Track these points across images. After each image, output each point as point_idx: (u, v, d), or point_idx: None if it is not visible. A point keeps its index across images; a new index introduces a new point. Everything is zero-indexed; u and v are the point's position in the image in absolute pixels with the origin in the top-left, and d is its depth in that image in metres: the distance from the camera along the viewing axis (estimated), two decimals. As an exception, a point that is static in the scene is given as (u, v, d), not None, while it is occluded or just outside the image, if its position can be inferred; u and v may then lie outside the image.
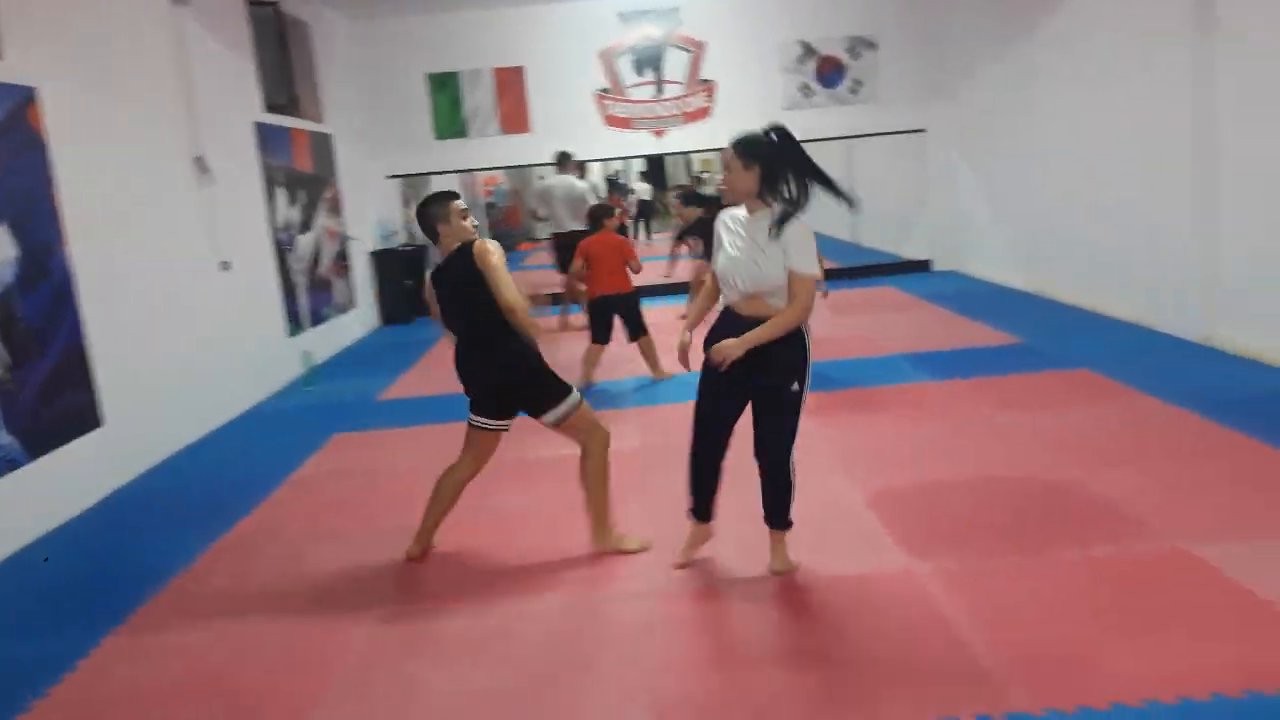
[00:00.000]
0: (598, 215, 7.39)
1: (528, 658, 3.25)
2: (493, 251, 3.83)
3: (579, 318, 9.24)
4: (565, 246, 9.28)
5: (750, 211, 3.50)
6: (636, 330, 7.25)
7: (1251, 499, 4.09)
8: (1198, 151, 6.89)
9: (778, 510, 3.71)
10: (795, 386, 3.50)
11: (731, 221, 3.58)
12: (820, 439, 5.41)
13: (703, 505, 3.84)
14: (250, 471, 5.66)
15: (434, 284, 4.05)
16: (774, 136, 3.44)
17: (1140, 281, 7.80)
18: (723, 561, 3.87)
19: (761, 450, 3.61)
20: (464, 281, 3.87)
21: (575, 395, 4.00)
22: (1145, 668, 2.86)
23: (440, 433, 6.06)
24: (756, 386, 3.52)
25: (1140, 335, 7.48)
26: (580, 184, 10.01)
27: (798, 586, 3.62)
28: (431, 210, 3.98)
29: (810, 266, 3.39)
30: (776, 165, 3.42)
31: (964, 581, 3.53)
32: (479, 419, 4.06)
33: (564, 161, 10.08)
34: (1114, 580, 3.45)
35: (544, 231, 11.82)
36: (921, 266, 12.42)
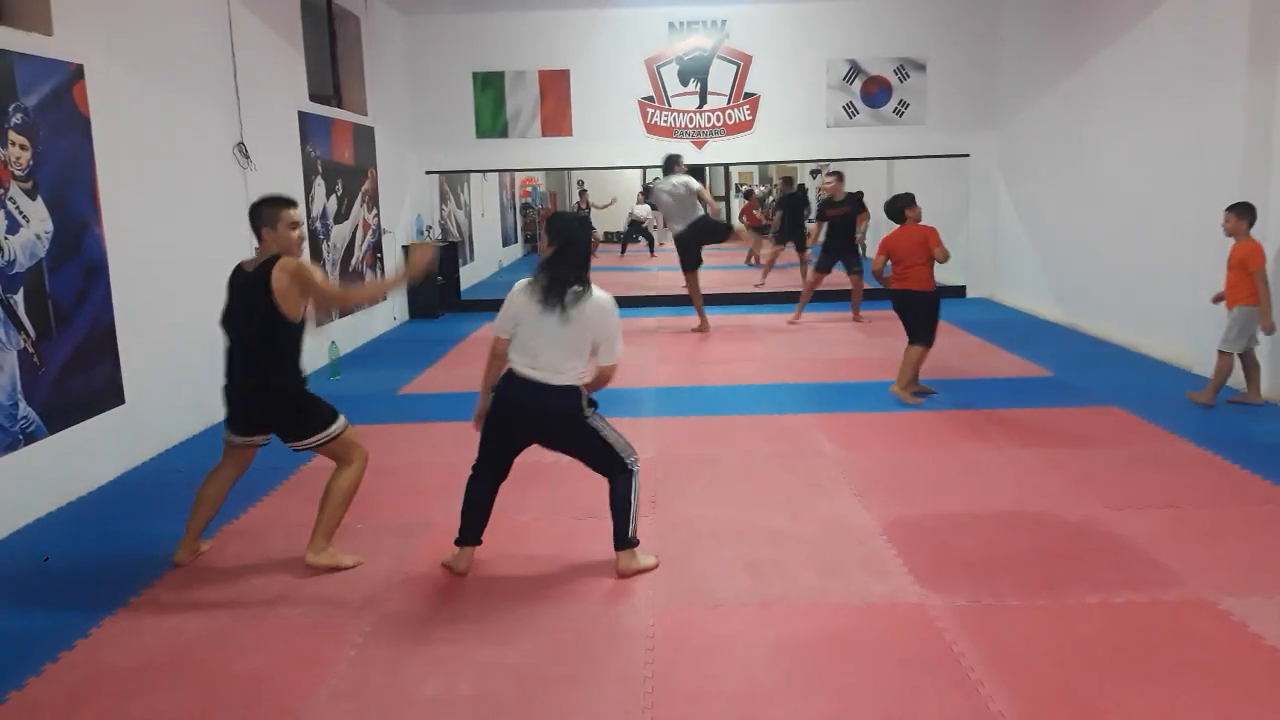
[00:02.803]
0: (898, 206, 6.83)
1: (522, 667, 3.20)
2: (297, 269, 3.79)
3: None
4: (684, 247, 9.80)
5: None
6: (926, 336, 6.75)
7: (1280, 553, 3.97)
8: (1246, 192, 6.73)
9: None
10: None
11: None
12: (838, 463, 5.33)
13: None
14: (265, 459, 5.60)
15: (229, 282, 3.97)
16: None
17: (1178, 321, 7.63)
18: (728, 581, 3.80)
19: None
20: (253, 292, 3.80)
21: (338, 423, 3.97)
22: (1157, 722, 2.77)
23: (457, 430, 6.03)
24: None
25: (1175, 376, 7.32)
26: (693, 184, 9.72)
27: (806, 611, 3.55)
28: (262, 212, 3.90)
29: None
30: None
31: (977, 618, 3.45)
32: (231, 435, 4.03)
33: (672, 165, 9.92)
34: (1132, 628, 3.35)
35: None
36: (956, 292, 12.26)
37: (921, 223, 6.76)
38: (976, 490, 4.84)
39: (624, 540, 3.88)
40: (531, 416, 3.78)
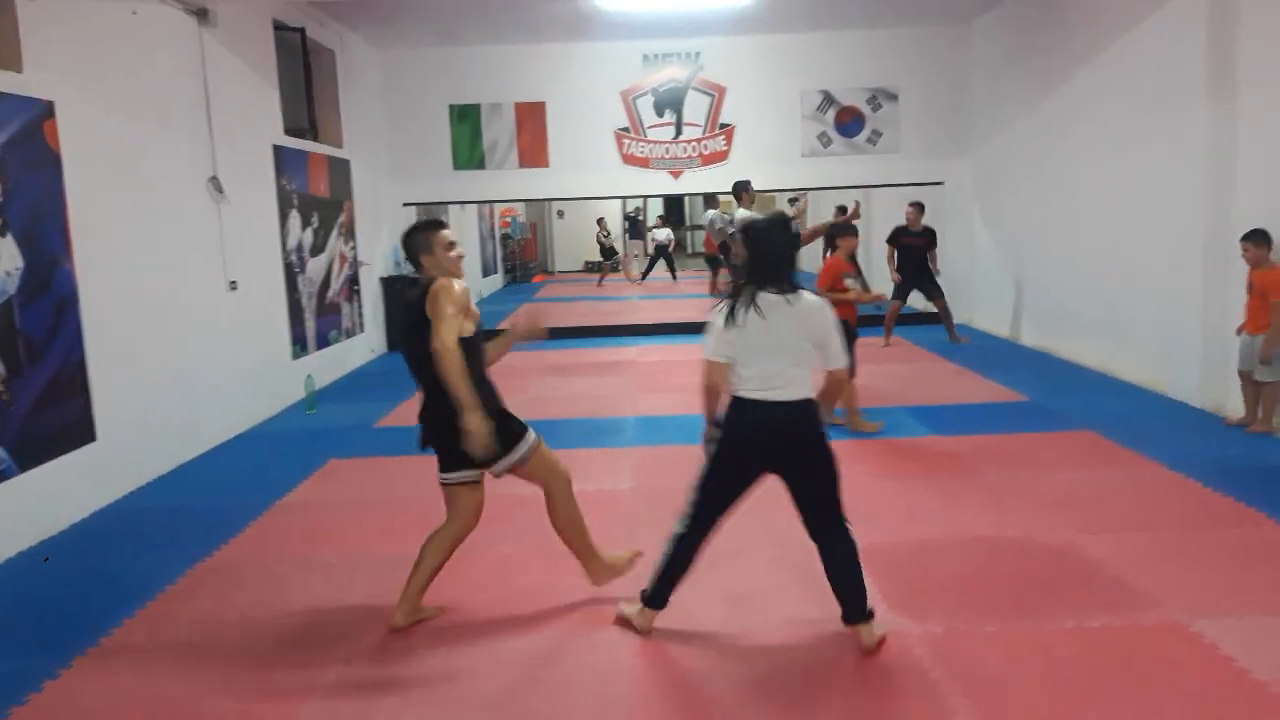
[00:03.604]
0: (830, 236, 6.72)
1: (496, 702, 3.17)
2: (444, 290, 3.49)
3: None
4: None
5: None
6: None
7: (1252, 574, 3.99)
8: (1211, 218, 6.84)
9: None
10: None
11: None
12: (817, 490, 5.34)
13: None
14: (241, 494, 5.62)
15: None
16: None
17: (1151, 346, 7.72)
18: (706, 610, 3.79)
19: None
20: (416, 314, 3.56)
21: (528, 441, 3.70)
22: (1132, 747, 2.77)
23: (433, 465, 6.01)
24: None
25: (1149, 400, 7.39)
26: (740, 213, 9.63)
27: (782, 640, 3.54)
28: (416, 239, 3.68)
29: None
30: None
31: (952, 645, 3.45)
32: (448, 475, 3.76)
33: (741, 193, 9.89)
34: (1107, 652, 3.36)
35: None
36: (931, 319, 12.34)
37: (842, 254, 6.80)
38: (953, 516, 4.86)
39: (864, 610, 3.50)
40: (773, 440, 3.41)
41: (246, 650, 3.60)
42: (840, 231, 6.91)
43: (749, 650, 3.48)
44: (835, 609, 3.77)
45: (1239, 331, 6.32)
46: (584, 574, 3.94)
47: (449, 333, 3.43)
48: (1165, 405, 7.15)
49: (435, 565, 3.74)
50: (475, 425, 3.43)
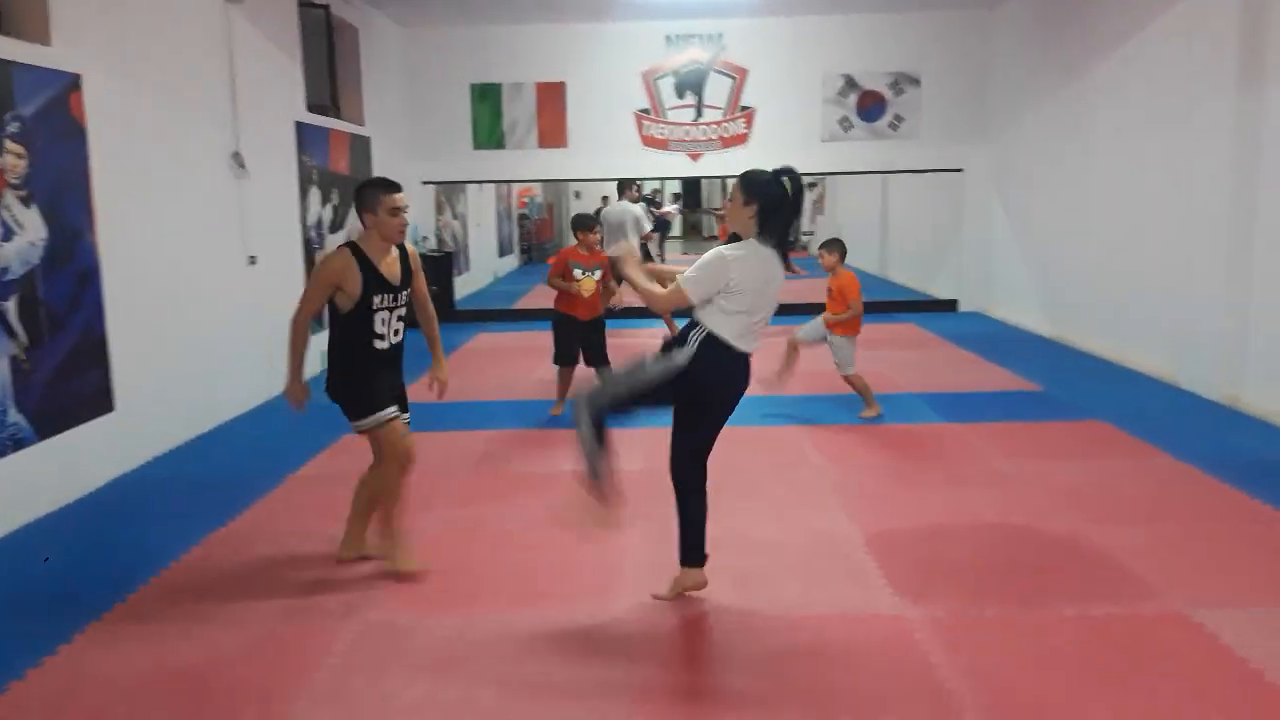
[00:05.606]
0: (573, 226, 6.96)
1: (506, 673, 3.23)
2: (319, 265, 3.95)
3: None
4: None
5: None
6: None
7: (1257, 566, 4.00)
8: (1235, 208, 6.79)
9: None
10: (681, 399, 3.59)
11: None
12: (823, 474, 5.37)
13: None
14: (255, 466, 5.70)
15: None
16: (785, 182, 3.57)
17: (1168, 337, 7.69)
18: (715, 592, 3.83)
19: None
20: None
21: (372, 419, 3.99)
22: (1128, 734, 2.80)
23: (446, 440, 6.09)
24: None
25: (1163, 391, 7.37)
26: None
27: (785, 623, 3.58)
28: (363, 195, 3.93)
29: (686, 277, 3.50)
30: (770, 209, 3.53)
31: (955, 630, 3.48)
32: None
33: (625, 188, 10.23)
34: (1108, 640, 3.38)
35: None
36: (947, 306, 12.33)
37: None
38: (960, 503, 4.88)
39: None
40: (738, 394, 3.64)
41: (255, 620, 3.67)
42: (576, 224, 7.01)
43: (751, 631, 3.52)
44: (839, 592, 3.83)
45: None
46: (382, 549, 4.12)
47: (300, 307, 3.94)
48: (1181, 397, 7.13)
49: (364, 507, 4.17)
50: (289, 390, 4.06)
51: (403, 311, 4.08)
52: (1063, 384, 7.64)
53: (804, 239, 19.96)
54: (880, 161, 11.93)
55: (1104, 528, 4.45)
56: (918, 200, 14.13)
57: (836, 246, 6.76)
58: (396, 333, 4.06)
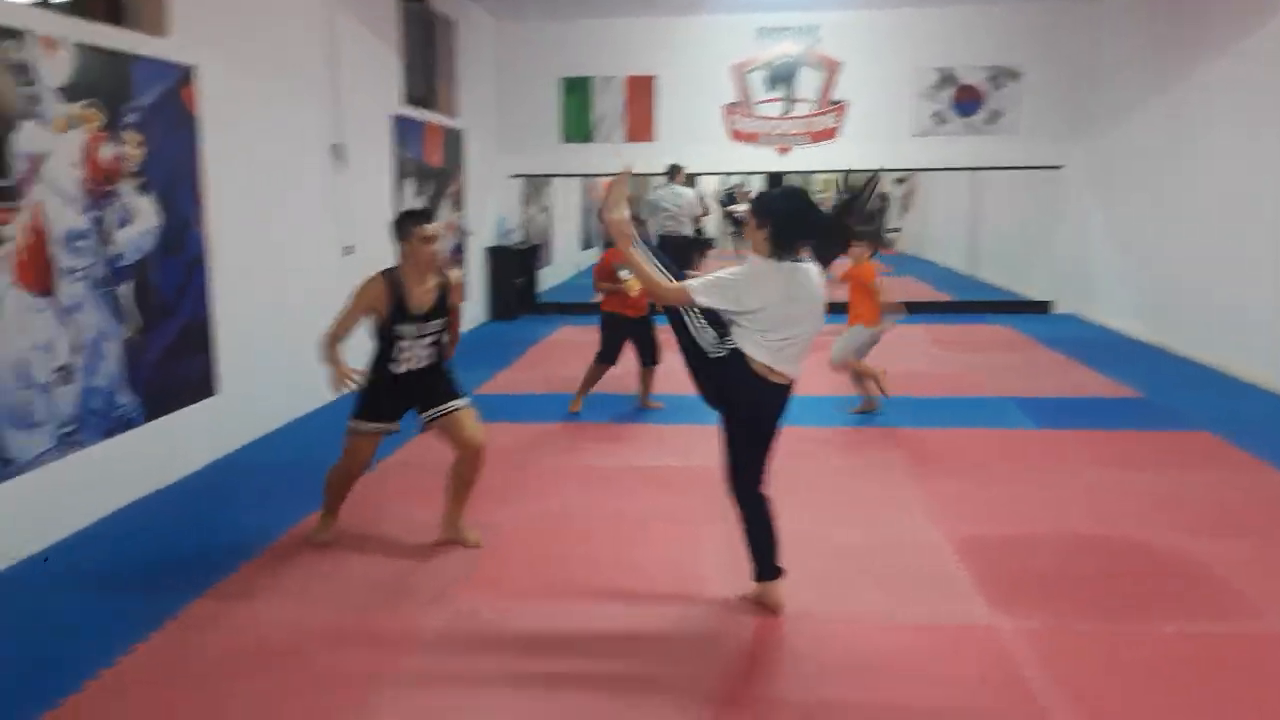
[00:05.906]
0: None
1: (588, 668, 3.27)
2: (359, 289, 4.21)
3: None
4: None
5: None
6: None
7: (1375, 592, 3.81)
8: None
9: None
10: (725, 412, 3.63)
11: None
12: (913, 480, 5.28)
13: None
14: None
15: None
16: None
17: (1273, 345, 7.34)
18: (796, 595, 3.80)
19: None
20: None
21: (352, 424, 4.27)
22: (1232, 761, 2.70)
23: (530, 432, 6.17)
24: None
25: (1267, 400, 7.05)
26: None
27: (873, 630, 3.54)
28: (401, 224, 4.19)
29: (692, 283, 3.49)
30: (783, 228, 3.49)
31: (1049, 643, 3.39)
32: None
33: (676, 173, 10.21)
34: (1210, 659, 3.26)
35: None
36: (1041, 308, 11.99)
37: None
38: (1056, 512, 4.75)
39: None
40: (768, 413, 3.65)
41: (348, 603, 3.77)
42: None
43: (836, 637, 3.49)
44: (927, 601, 3.76)
45: None
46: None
47: (334, 326, 4.25)
48: (1287, 408, 6.82)
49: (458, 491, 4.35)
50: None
51: (430, 339, 4.28)
52: (1165, 392, 7.37)
53: (889, 237, 19.60)
54: (975, 157, 11.64)
55: (1207, 542, 4.28)
56: (1010, 198, 13.75)
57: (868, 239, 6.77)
58: (420, 360, 4.27)
